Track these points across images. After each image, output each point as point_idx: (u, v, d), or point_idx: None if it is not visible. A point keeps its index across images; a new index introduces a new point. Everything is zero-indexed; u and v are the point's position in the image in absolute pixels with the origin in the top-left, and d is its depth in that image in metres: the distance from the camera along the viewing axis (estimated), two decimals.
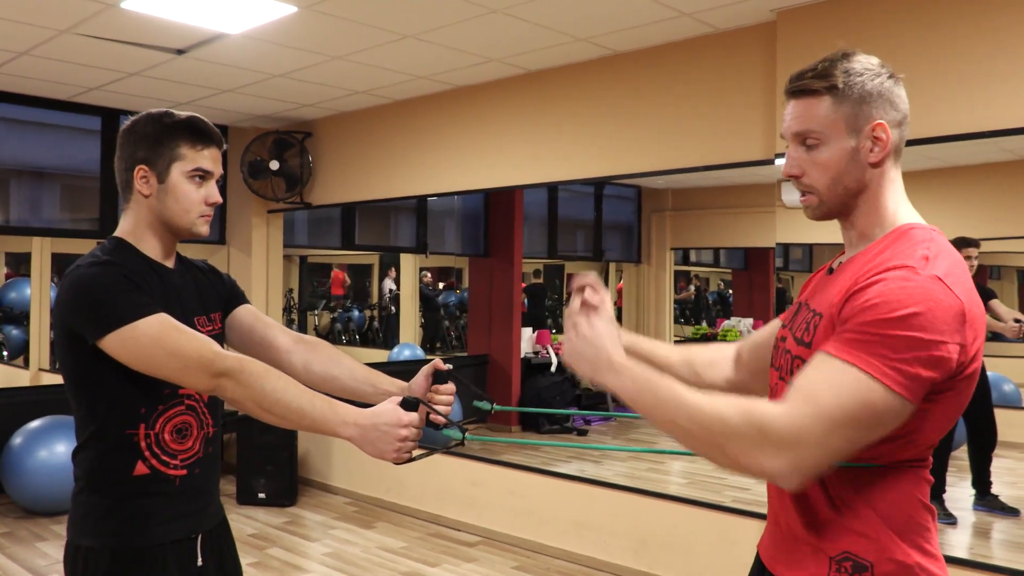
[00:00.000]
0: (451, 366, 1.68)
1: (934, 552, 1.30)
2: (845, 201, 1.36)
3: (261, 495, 5.42)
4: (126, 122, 1.69)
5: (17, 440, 5.04)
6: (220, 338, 1.78)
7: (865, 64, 1.34)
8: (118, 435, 1.56)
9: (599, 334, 1.32)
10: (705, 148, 4.03)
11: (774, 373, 1.46)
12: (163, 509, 1.61)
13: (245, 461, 5.43)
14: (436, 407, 1.64)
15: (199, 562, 1.68)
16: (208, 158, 1.67)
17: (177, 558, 1.63)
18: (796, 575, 1.36)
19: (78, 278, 1.55)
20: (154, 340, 1.49)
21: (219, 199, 1.70)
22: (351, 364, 1.79)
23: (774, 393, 1.45)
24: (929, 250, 1.26)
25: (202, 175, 1.66)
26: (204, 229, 1.69)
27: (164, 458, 1.61)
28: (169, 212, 1.65)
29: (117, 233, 1.69)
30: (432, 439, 1.67)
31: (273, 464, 5.44)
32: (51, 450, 4.96)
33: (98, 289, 1.52)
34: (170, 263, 1.72)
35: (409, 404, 1.48)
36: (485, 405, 1.67)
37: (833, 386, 1.18)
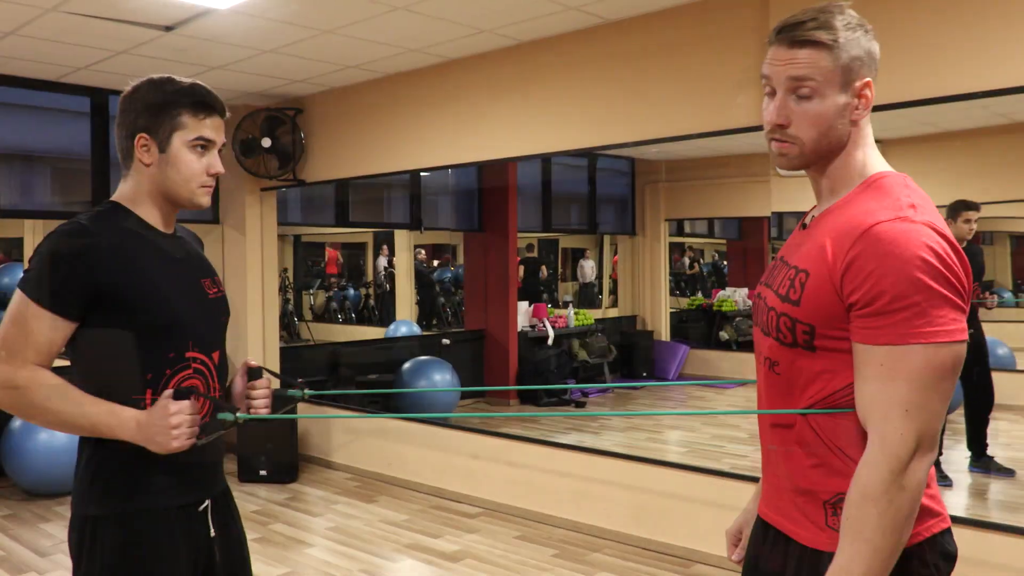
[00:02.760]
0: (260, 364, 1.80)
1: (931, 488, 1.33)
2: (824, 155, 1.37)
3: (263, 472, 5.44)
4: (127, 88, 1.66)
5: (18, 423, 5.05)
6: (223, 302, 1.78)
7: (856, 20, 1.34)
8: (125, 402, 1.55)
9: None
10: (698, 116, 4.02)
11: (757, 331, 1.47)
12: (170, 476, 1.61)
13: (246, 439, 5.45)
14: (254, 401, 1.76)
15: (211, 532, 1.69)
16: (210, 127, 1.65)
17: (184, 524, 1.64)
18: (797, 525, 1.38)
19: (53, 241, 1.56)
20: (9, 315, 1.55)
21: (221, 169, 1.69)
22: None
23: (759, 350, 1.46)
24: (911, 197, 1.29)
25: (204, 144, 1.65)
26: (205, 200, 1.69)
27: None
28: (170, 182, 1.64)
29: (114, 197, 1.68)
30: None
31: (273, 441, 5.46)
32: (51, 432, 4.97)
33: (44, 258, 1.54)
34: (169, 230, 1.71)
35: (179, 394, 1.55)
36: (297, 393, 1.83)
37: (907, 376, 1.22)
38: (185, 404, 1.53)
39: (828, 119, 1.33)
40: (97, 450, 1.59)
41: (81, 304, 1.54)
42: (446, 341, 7.94)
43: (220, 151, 1.70)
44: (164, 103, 1.62)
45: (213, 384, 1.70)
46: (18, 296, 1.54)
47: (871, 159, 1.37)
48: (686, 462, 4.65)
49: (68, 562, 4.09)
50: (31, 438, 4.96)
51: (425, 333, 10.45)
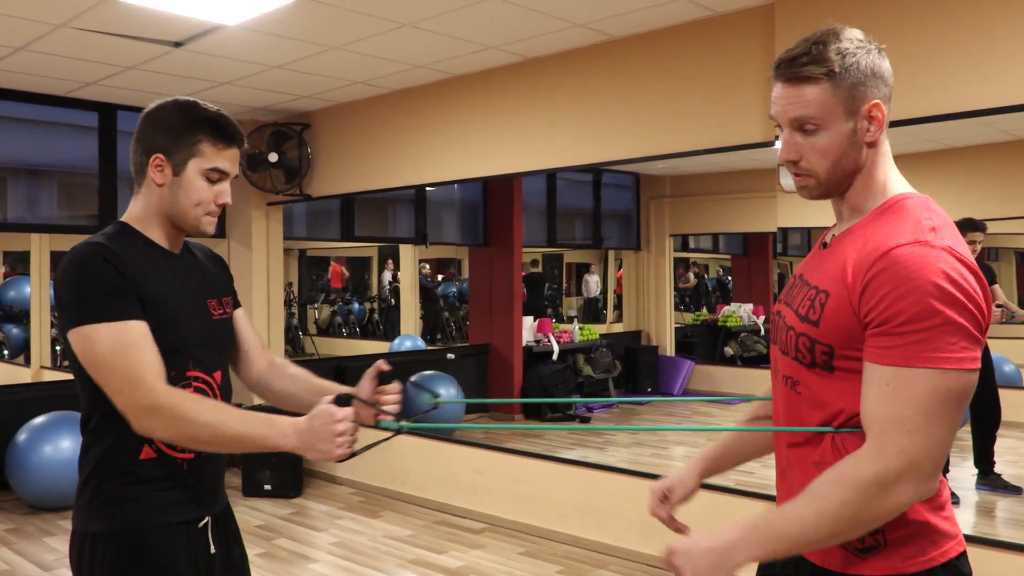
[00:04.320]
0: (392, 367, 1.71)
1: (945, 510, 1.32)
2: (842, 181, 1.37)
3: (267, 487, 5.43)
4: (151, 105, 1.66)
5: (22, 436, 5.05)
6: (228, 324, 1.79)
7: (856, 42, 1.32)
8: (125, 419, 1.55)
9: (693, 556, 1.32)
10: (704, 132, 4.03)
11: (775, 348, 1.47)
12: (170, 493, 1.61)
13: (249, 454, 5.44)
14: (385, 406, 1.67)
15: (211, 549, 1.69)
16: (228, 159, 1.66)
17: (185, 541, 1.63)
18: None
19: (74, 262, 1.55)
20: (96, 358, 1.51)
21: (229, 200, 1.69)
22: (307, 378, 1.83)
23: (775, 368, 1.46)
24: (932, 220, 1.28)
25: (219, 175, 1.65)
26: (209, 228, 1.69)
27: None
28: (178, 205, 1.64)
29: (123, 218, 1.68)
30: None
31: (277, 456, 5.45)
32: (56, 446, 4.97)
33: (84, 281, 1.52)
34: (176, 250, 1.72)
35: (341, 400, 1.51)
36: (393, 425, 1.69)
37: (911, 399, 1.20)
38: (349, 411, 1.50)
39: (837, 149, 1.33)
40: (98, 467, 1.59)
41: (137, 299, 1.54)
42: (451, 356, 7.93)
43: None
44: (187, 128, 1.62)
45: None
46: (86, 332, 1.50)
47: (892, 179, 1.37)
48: None
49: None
50: (35, 451, 4.96)
51: (430, 347, 10.44)
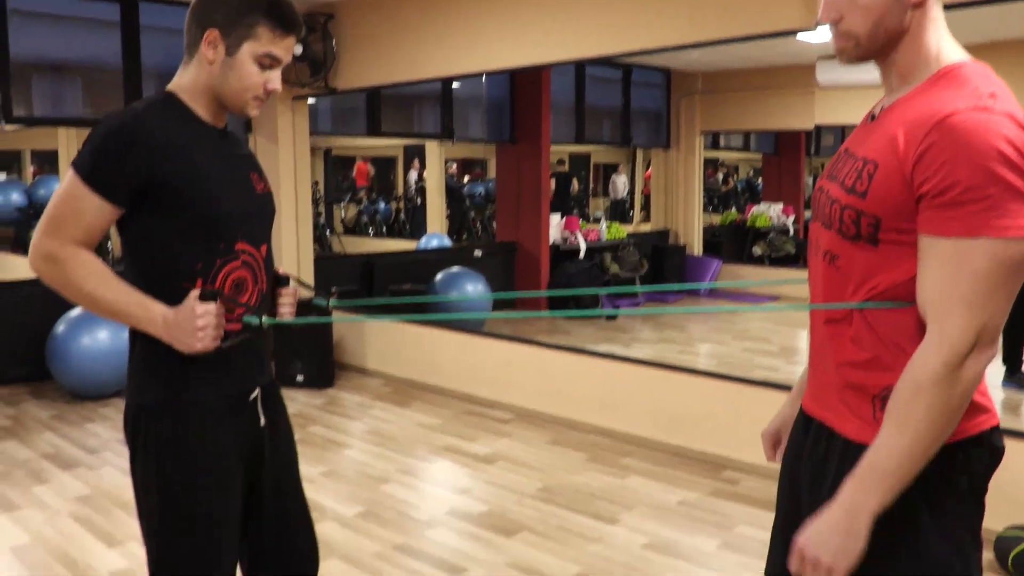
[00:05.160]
0: (288, 273, 1.84)
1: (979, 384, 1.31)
2: (884, 44, 1.31)
3: (299, 378, 5.55)
4: None
5: (60, 328, 5.17)
6: (270, 198, 1.78)
7: None
8: (175, 290, 1.57)
9: (822, 540, 1.26)
10: (740, 17, 3.89)
11: (815, 226, 1.44)
12: (219, 364, 1.64)
13: (282, 346, 5.55)
14: (280, 308, 1.82)
15: (261, 422, 1.73)
16: (283, 47, 1.62)
17: (235, 414, 1.67)
18: (842, 419, 1.37)
19: (110, 124, 1.54)
20: (59, 192, 1.56)
21: (279, 88, 1.66)
22: None
23: (816, 245, 1.43)
24: (990, 87, 1.23)
25: (271, 61, 1.62)
26: (254, 112, 1.67)
27: None
28: (227, 86, 1.62)
29: (171, 87, 1.66)
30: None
31: (310, 349, 5.55)
32: (93, 337, 5.09)
33: (104, 143, 1.53)
34: (220, 125, 1.70)
35: (205, 295, 1.55)
36: (321, 301, 1.86)
37: (973, 272, 1.17)
38: (212, 307, 1.54)
39: (880, 8, 1.28)
40: (147, 342, 1.62)
41: (131, 191, 1.54)
42: (478, 253, 7.95)
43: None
44: (247, 9, 1.58)
45: (260, 276, 1.71)
46: (70, 175, 1.55)
47: (945, 47, 1.31)
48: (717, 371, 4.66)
49: (116, 459, 4.22)
50: (74, 342, 5.08)
51: (457, 245, 10.47)
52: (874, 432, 1.31)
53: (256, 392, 1.73)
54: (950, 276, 1.19)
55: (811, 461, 1.44)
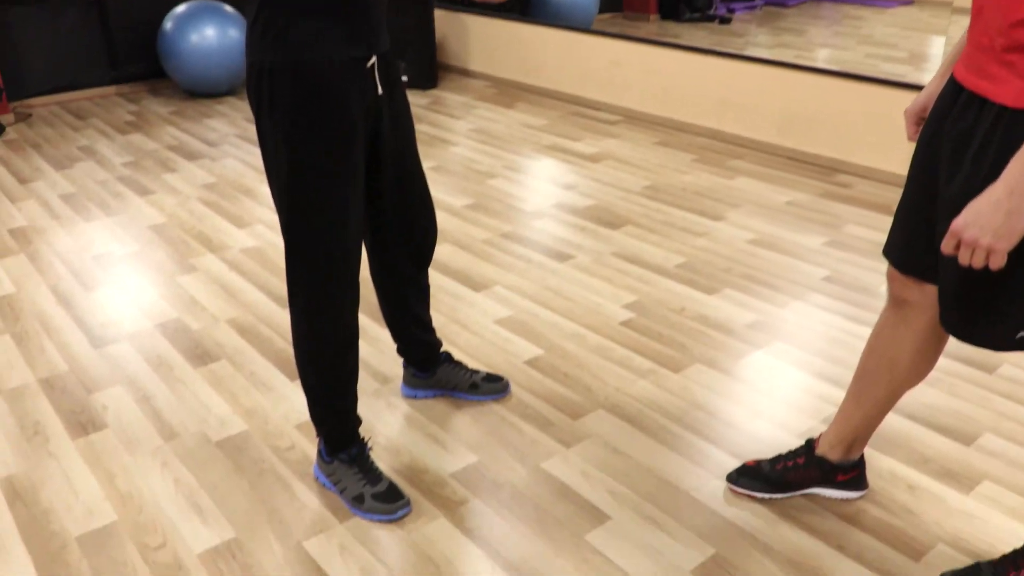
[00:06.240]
0: None
1: None
2: None
3: (404, 78, 5.52)
4: None
5: (168, 25, 5.19)
6: None
7: None
8: None
9: (983, 220, 1.17)
10: None
11: None
12: (339, 27, 1.62)
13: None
14: None
15: (379, 91, 1.73)
16: None
17: (356, 79, 1.67)
18: (998, 84, 1.27)
19: None
20: None
21: None
22: None
23: None
24: None
25: None
26: None
27: None
28: None
29: None
30: None
31: (413, 48, 5.46)
32: (201, 34, 5.10)
33: None
34: None
35: None
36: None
37: None
38: None
39: None
40: (266, 7, 1.59)
41: None
42: None
43: None
44: None
45: None
46: None
47: None
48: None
49: (237, 151, 4.38)
50: (183, 40, 5.11)
51: None
52: None
53: (373, 59, 1.71)
54: None
55: (956, 130, 1.36)
